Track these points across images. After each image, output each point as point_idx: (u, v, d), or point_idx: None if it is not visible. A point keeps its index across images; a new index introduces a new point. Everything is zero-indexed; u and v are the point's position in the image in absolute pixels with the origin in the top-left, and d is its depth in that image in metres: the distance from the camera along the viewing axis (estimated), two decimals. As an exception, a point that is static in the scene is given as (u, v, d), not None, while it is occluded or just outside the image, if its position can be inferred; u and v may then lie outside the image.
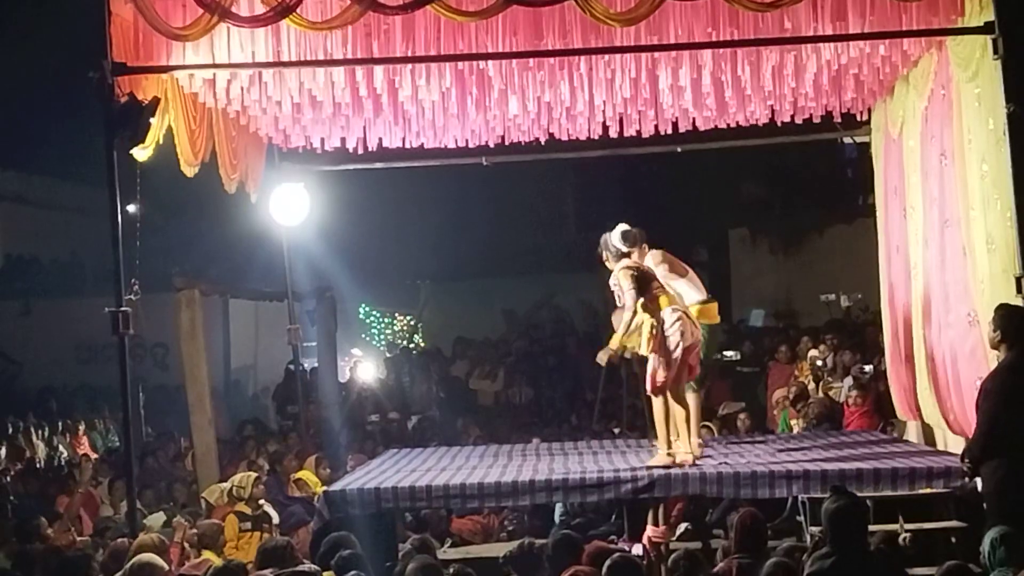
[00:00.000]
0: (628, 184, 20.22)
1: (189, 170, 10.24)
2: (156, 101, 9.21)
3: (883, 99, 11.67)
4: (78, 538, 10.61)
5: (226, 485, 10.95)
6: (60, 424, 17.24)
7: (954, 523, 8.54)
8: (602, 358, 9.83)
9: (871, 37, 9.69)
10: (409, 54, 9.75)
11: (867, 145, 12.74)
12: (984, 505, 7.95)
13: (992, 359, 8.24)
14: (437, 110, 11.20)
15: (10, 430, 16.44)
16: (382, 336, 24.06)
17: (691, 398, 9.95)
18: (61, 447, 16.62)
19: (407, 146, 12.12)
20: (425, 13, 9.31)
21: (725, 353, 15.97)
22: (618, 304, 9.71)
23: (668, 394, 9.49)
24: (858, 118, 12.13)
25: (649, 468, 9.36)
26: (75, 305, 19.87)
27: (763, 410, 14.50)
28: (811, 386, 13.82)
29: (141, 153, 9.29)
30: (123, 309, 9.01)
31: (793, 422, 13.31)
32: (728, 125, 12.00)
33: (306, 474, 12.09)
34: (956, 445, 9.93)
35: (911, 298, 11.09)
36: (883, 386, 12.59)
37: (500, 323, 20.45)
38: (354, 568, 6.95)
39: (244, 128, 11.40)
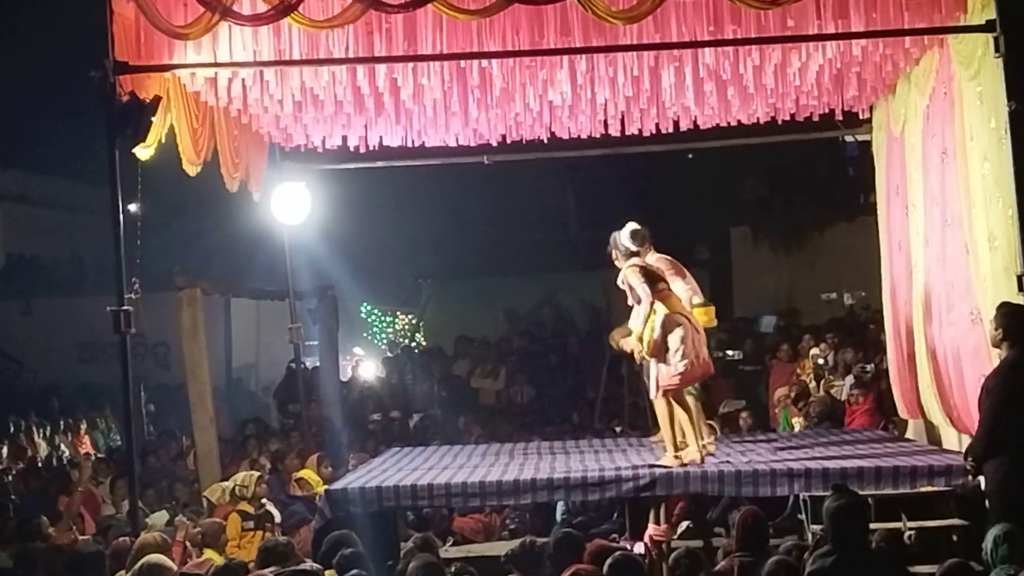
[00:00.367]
0: (630, 183, 20.19)
1: (192, 169, 10.25)
2: (157, 100, 9.21)
3: (885, 97, 11.66)
4: (80, 537, 10.61)
5: (228, 484, 10.95)
6: (62, 423, 17.24)
7: (955, 521, 8.53)
8: (633, 346, 9.76)
9: (873, 35, 9.69)
10: (410, 52, 9.75)
11: (868, 143, 12.74)
12: (986, 503, 7.95)
13: (995, 357, 8.24)
14: (438, 109, 11.20)
15: (12, 429, 16.44)
16: (383, 335, 24.05)
17: (690, 399, 9.95)
18: (63, 446, 16.62)
19: (408, 145, 12.13)
20: (426, 11, 9.31)
21: (727, 352, 15.98)
22: (629, 303, 9.74)
23: (670, 397, 9.51)
24: (860, 116, 12.12)
25: (651, 467, 9.37)
26: (77, 304, 19.88)
27: (765, 408, 14.49)
28: (812, 384, 13.82)
29: (143, 152, 9.29)
30: (124, 308, 9.02)
31: (795, 420, 13.30)
32: (730, 123, 12.00)
33: (308, 473, 12.09)
34: (957, 443, 9.94)
35: (912, 296, 11.08)
36: (884, 384, 12.59)
37: (501, 322, 20.44)
38: (356, 567, 6.95)
39: (246, 127, 11.41)
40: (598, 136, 12.10)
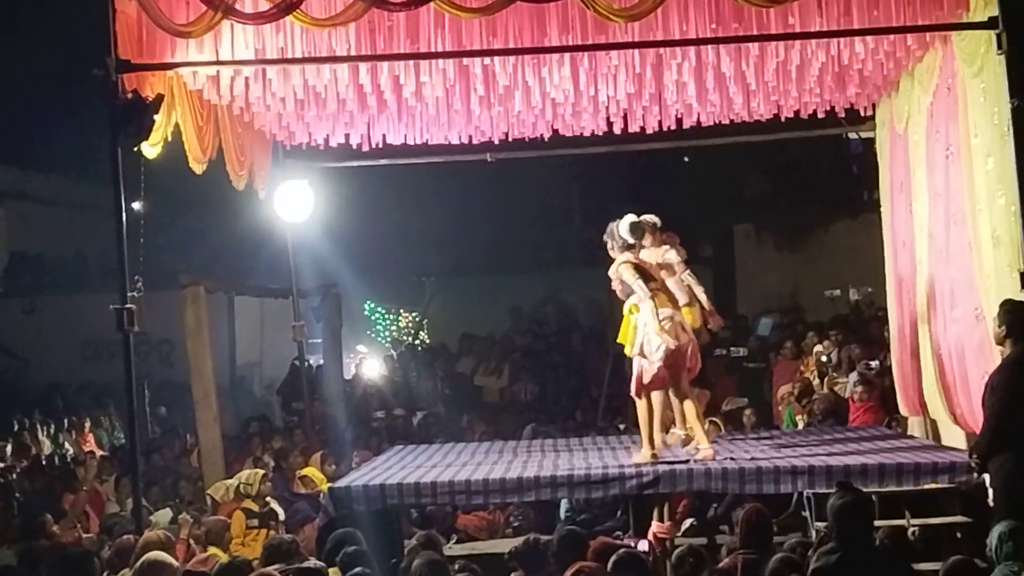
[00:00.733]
0: (633, 180, 20.17)
1: (198, 167, 10.27)
2: (160, 98, 9.22)
3: (888, 94, 11.65)
4: (84, 535, 10.61)
5: (233, 482, 10.96)
6: (66, 421, 17.25)
7: (959, 518, 8.54)
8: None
9: (876, 32, 9.68)
10: (413, 50, 9.75)
11: (872, 140, 12.73)
12: (991, 500, 7.94)
13: (998, 355, 8.23)
14: (441, 106, 11.20)
15: (16, 427, 16.45)
16: (387, 333, 24.04)
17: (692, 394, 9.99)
18: (67, 444, 16.63)
19: (411, 143, 12.13)
20: (429, 9, 9.32)
21: (731, 349, 15.98)
22: (617, 292, 9.79)
23: (650, 396, 9.55)
24: (863, 113, 12.12)
25: (637, 464, 9.42)
26: (80, 302, 19.87)
27: (768, 406, 14.48)
28: (816, 382, 13.81)
29: (150, 150, 9.31)
30: (128, 306, 9.03)
31: (798, 418, 13.30)
32: (733, 121, 11.99)
33: (311, 471, 12.09)
34: (960, 441, 9.93)
35: (917, 293, 11.08)
36: (888, 381, 12.58)
37: (505, 319, 20.43)
38: (359, 564, 6.95)
39: (249, 125, 11.41)
40: (601, 134, 12.10)
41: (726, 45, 10.00)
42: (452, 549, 10.53)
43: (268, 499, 10.79)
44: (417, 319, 23.67)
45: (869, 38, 9.89)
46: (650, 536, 9.22)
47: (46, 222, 23.84)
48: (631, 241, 9.72)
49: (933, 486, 8.82)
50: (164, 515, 10.95)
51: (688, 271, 10.36)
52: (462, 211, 21.48)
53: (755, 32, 9.65)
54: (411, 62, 10.05)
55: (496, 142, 12.36)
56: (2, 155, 22.42)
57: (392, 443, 13.47)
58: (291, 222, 13.19)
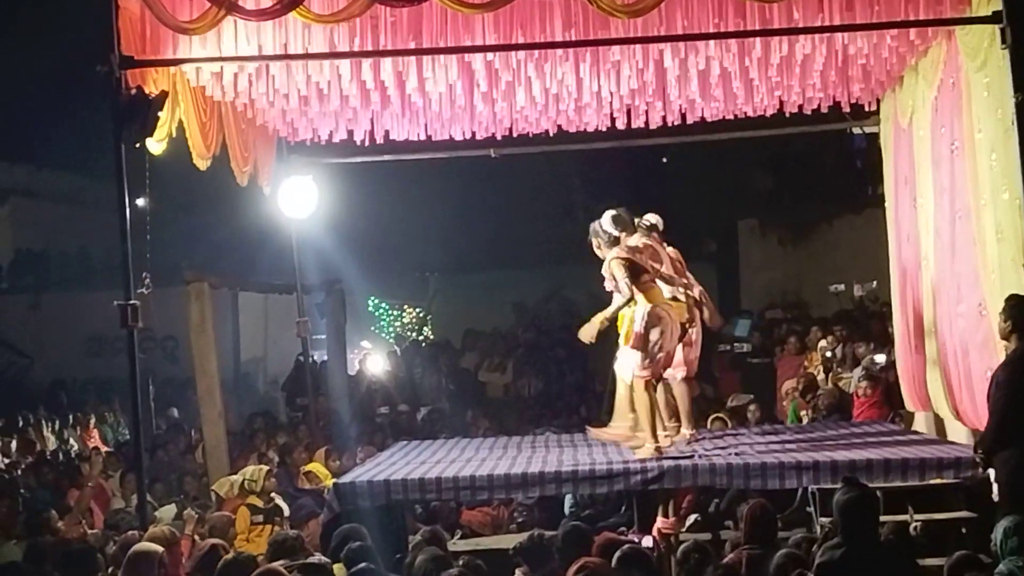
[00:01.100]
0: (636, 175, 20.17)
1: (202, 163, 10.27)
2: (164, 95, 9.22)
3: (892, 89, 11.63)
4: (89, 531, 10.63)
5: (237, 478, 10.96)
6: (70, 417, 17.29)
7: (964, 514, 8.53)
8: (585, 335, 9.85)
9: (879, 27, 9.66)
10: (416, 46, 9.74)
11: (876, 135, 12.71)
12: (996, 495, 7.94)
13: (1003, 349, 8.22)
14: (444, 102, 11.19)
15: (21, 423, 16.48)
16: (391, 328, 24.06)
17: (662, 391, 10.02)
18: (71, 440, 16.66)
19: (414, 138, 12.12)
20: (431, 5, 9.31)
21: (735, 344, 15.97)
22: (608, 288, 9.81)
23: (647, 386, 9.56)
24: (867, 108, 12.10)
25: (642, 459, 9.42)
26: (85, 298, 19.92)
27: (773, 401, 14.48)
28: (820, 377, 13.80)
29: (156, 146, 9.32)
30: (132, 302, 9.04)
31: (802, 413, 13.29)
32: (736, 116, 11.98)
33: (316, 466, 12.11)
34: (965, 436, 9.92)
35: (921, 288, 11.06)
36: (893, 377, 12.56)
37: (509, 315, 20.44)
38: (364, 560, 6.95)
39: (252, 121, 11.41)
40: (604, 129, 12.09)
41: (729, 40, 10.00)
42: (456, 545, 10.53)
43: (272, 495, 10.80)
44: (421, 315, 23.69)
45: (872, 33, 9.87)
46: (654, 532, 9.23)
47: (50, 219, 23.90)
48: (616, 234, 9.76)
49: (938, 481, 8.81)
50: (168, 511, 10.96)
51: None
52: (466, 207, 21.49)
53: (758, 27, 9.63)
54: (414, 58, 10.05)
55: (499, 138, 12.35)
56: (6, 152, 22.49)
57: (396, 439, 13.47)
58: (295, 218, 13.19)
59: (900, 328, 12.07)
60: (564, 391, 17.17)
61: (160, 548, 7.29)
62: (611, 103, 11.44)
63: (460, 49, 9.85)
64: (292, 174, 12.86)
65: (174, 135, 9.60)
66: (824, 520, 8.22)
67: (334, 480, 10.20)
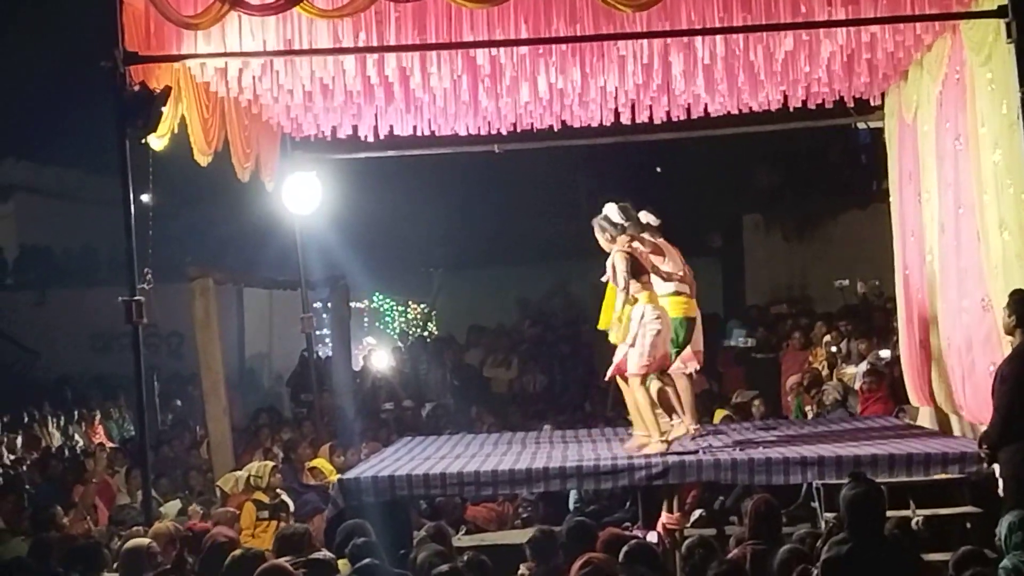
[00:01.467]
0: (641, 171, 20.16)
1: (203, 159, 10.26)
2: (168, 90, 9.22)
3: (897, 84, 11.61)
4: (94, 527, 10.64)
5: (242, 474, 10.98)
6: (76, 413, 17.31)
7: (969, 508, 8.52)
8: (617, 337, 9.79)
9: (884, 21, 9.66)
10: (420, 42, 9.73)
11: (881, 130, 12.69)
12: (1001, 490, 7.93)
13: (1006, 344, 8.21)
14: (448, 98, 11.18)
15: (26, 419, 16.51)
16: (396, 324, 24.07)
17: (655, 387, 10.01)
18: (77, 436, 16.68)
19: (419, 134, 12.11)
20: (436, 0, 9.29)
21: (740, 340, 15.96)
22: (604, 279, 9.81)
23: (647, 382, 9.56)
24: (871, 103, 12.08)
25: (647, 455, 9.42)
26: (89, 295, 19.93)
27: (777, 396, 14.47)
28: (825, 372, 13.79)
29: (157, 142, 9.31)
30: (137, 298, 9.04)
31: (807, 408, 13.29)
32: (741, 111, 11.97)
33: (320, 462, 12.11)
34: (970, 431, 9.91)
35: (926, 283, 11.05)
36: (897, 372, 12.55)
37: (514, 311, 20.44)
38: (369, 556, 6.95)
39: (256, 117, 11.41)
40: (609, 124, 12.08)
41: (734, 35, 9.98)
42: (461, 540, 10.54)
43: (278, 491, 10.81)
44: (425, 310, 23.70)
45: (877, 27, 9.86)
46: (659, 527, 9.21)
47: (55, 215, 23.91)
48: (625, 223, 9.75)
49: (943, 476, 8.80)
50: (174, 507, 10.98)
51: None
52: (469, 202, 21.50)
53: (763, 21, 9.62)
54: (418, 53, 10.04)
55: (504, 133, 12.34)
56: (10, 148, 22.49)
57: (401, 434, 13.48)
58: (299, 214, 13.18)
59: (905, 323, 12.06)
60: (568, 387, 17.17)
61: (149, 540, 7.36)
62: (615, 98, 11.43)
63: (464, 44, 9.84)
64: (296, 170, 12.85)
65: (176, 131, 9.59)
66: (828, 515, 8.21)
67: (339, 476, 10.20)
